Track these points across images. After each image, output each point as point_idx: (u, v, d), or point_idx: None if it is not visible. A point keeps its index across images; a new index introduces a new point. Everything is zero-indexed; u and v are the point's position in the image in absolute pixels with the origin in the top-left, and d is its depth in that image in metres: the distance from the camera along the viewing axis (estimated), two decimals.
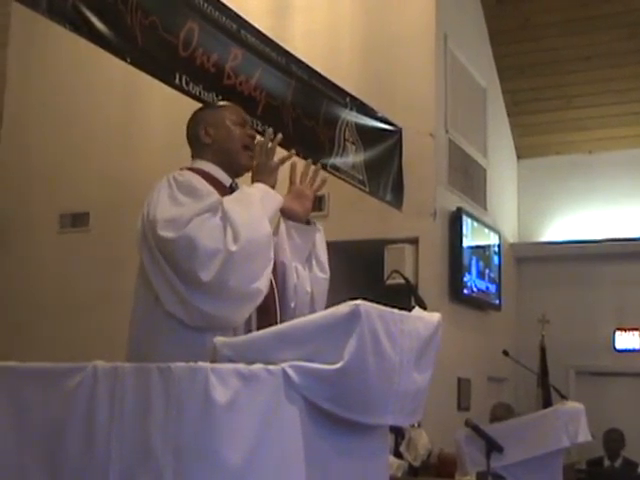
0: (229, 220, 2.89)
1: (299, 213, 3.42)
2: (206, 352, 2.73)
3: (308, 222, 3.45)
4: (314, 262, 3.45)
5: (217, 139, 3.35)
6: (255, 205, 3.01)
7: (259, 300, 2.96)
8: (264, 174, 3.23)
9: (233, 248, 2.84)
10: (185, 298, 2.91)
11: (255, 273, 2.91)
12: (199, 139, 3.36)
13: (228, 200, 3.00)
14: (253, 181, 3.24)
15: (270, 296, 3.17)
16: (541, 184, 10.77)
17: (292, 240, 3.38)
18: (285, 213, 3.40)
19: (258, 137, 3.44)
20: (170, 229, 2.89)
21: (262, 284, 2.94)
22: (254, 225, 2.93)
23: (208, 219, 2.90)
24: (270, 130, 3.33)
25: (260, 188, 3.15)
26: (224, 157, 3.34)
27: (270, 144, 3.29)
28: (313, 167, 3.57)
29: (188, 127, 3.44)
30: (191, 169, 3.27)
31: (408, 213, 7.83)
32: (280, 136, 3.34)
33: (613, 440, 9.24)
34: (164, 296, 2.97)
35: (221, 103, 3.64)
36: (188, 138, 3.43)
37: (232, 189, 3.32)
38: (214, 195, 3.06)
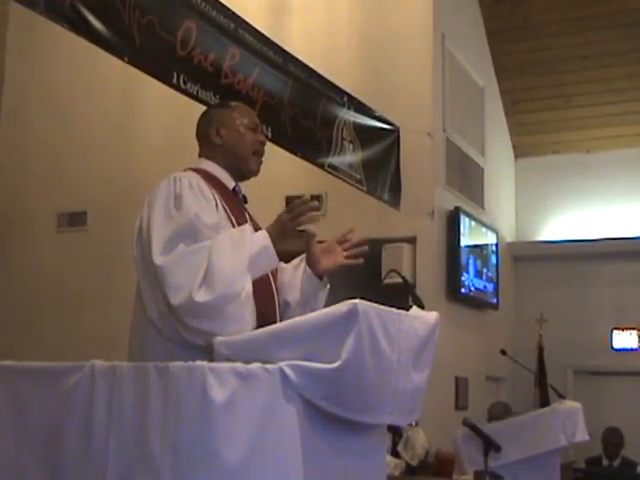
0: (210, 267, 2.80)
1: (321, 268, 3.25)
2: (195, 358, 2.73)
3: (321, 276, 3.30)
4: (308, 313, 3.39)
5: (228, 141, 3.31)
6: (244, 256, 2.88)
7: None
8: (277, 232, 3.01)
9: (198, 298, 2.76)
10: (163, 311, 2.89)
11: (216, 324, 2.77)
12: (209, 139, 3.33)
13: (223, 240, 2.90)
14: (270, 228, 3.03)
15: (269, 299, 3.16)
16: (539, 183, 10.77)
17: (302, 284, 3.27)
18: (310, 259, 3.27)
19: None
20: (157, 250, 2.87)
21: (221, 332, 2.74)
22: (230, 281, 2.80)
23: (193, 253, 2.84)
24: (315, 203, 3.05)
25: (262, 240, 2.98)
26: (232, 160, 3.31)
27: (305, 213, 3.00)
28: (364, 247, 3.29)
29: (199, 124, 3.40)
30: (196, 169, 3.25)
31: (406, 212, 7.83)
32: (317, 207, 3.08)
33: (612, 439, 9.22)
34: (147, 300, 2.96)
35: (234, 103, 3.55)
36: (197, 135, 3.40)
37: (235, 192, 3.31)
38: (203, 203, 3.02)
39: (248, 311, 2.90)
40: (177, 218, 2.95)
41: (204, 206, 3.03)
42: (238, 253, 2.89)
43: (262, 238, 2.99)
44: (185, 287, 2.78)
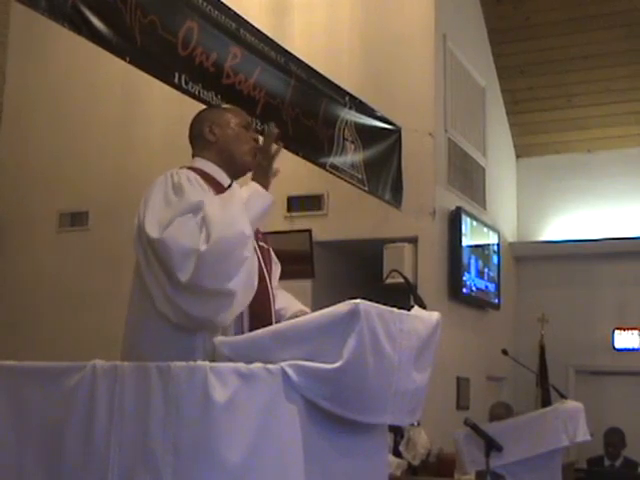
0: (205, 219, 2.86)
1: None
2: (195, 353, 2.78)
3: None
4: None
5: (221, 138, 3.33)
6: (235, 204, 2.97)
7: (235, 301, 2.86)
8: (259, 175, 3.20)
9: (202, 248, 2.80)
10: (170, 297, 2.88)
11: (227, 273, 2.82)
12: (203, 137, 3.35)
13: (212, 199, 2.98)
14: (252, 177, 3.21)
15: (265, 300, 3.16)
16: (540, 183, 10.76)
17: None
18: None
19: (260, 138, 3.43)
20: (155, 229, 2.88)
21: (235, 284, 2.83)
22: (227, 224, 2.87)
23: (189, 220, 2.88)
24: (273, 127, 3.24)
25: (250, 187, 3.13)
26: (226, 157, 3.32)
27: (270, 148, 3.21)
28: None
29: (192, 125, 3.43)
30: (191, 168, 3.25)
31: (407, 212, 7.83)
32: (280, 145, 3.26)
33: (614, 440, 9.21)
34: (155, 294, 2.95)
35: (225, 106, 3.62)
36: (191, 136, 3.42)
37: None
38: (201, 193, 3.04)
39: (252, 256, 2.94)
40: (177, 204, 2.96)
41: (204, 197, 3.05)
42: (232, 203, 2.96)
43: (249, 185, 3.12)
44: (194, 249, 2.80)
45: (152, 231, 2.89)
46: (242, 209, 2.96)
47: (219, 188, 3.22)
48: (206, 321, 2.86)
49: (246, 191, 3.08)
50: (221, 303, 2.82)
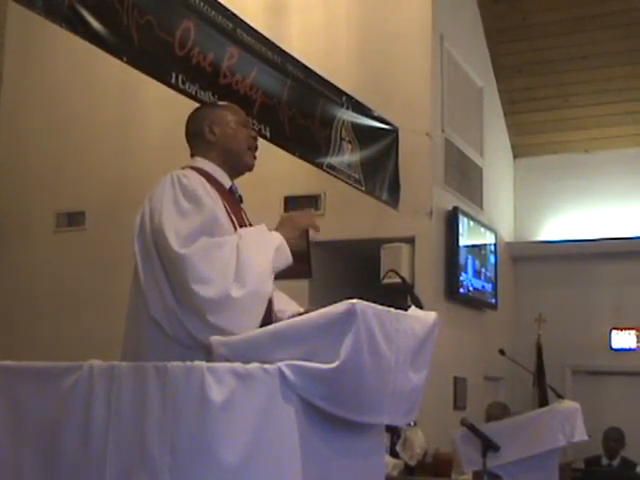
0: (240, 261, 2.82)
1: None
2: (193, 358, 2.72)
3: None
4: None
5: (221, 137, 3.30)
6: (268, 256, 2.92)
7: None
8: (289, 230, 3.10)
9: (236, 294, 2.76)
10: (171, 308, 2.86)
11: (241, 323, 2.77)
12: (203, 136, 3.31)
13: (247, 237, 2.94)
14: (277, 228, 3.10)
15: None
16: (537, 183, 10.77)
17: None
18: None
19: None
20: (176, 242, 2.83)
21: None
22: (263, 278, 2.86)
23: (219, 247, 2.84)
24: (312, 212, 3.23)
25: (276, 239, 3.02)
26: (227, 156, 3.30)
27: (305, 222, 3.17)
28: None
29: (188, 124, 3.39)
30: (193, 168, 3.23)
31: (404, 212, 7.83)
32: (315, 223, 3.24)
33: (613, 439, 9.21)
34: (150, 298, 2.93)
35: (222, 103, 3.59)
36: (188, 135, 3.38)
37: (232, 191, 3.30)
38: (218, 206, 3.03)
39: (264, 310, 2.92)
40: (196, 213, 2.93)
41: (216, 205, 3.04)
42: (263, 252, 2.92)
43: (275, 237, 3.03)
44: (216, 281, 2.77)
45: (174, 242, 2.83)
46: (271, 265, 2.92)
47: (221, 189, 3.21)
48: (201, 342, 2.78)
49: (275, 242, 3.00)
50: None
